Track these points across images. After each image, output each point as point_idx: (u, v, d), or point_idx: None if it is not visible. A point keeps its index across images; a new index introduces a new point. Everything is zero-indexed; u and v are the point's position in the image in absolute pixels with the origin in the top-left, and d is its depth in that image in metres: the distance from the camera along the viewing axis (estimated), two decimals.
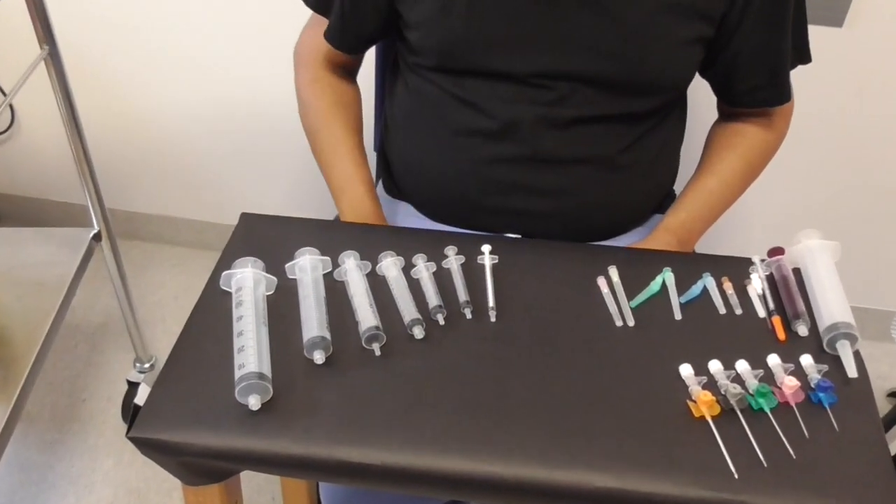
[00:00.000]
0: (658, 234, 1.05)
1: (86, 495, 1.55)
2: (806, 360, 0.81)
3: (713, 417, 0.75)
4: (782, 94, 1.05)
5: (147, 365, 1.72)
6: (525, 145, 1.01)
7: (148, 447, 0.73)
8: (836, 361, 0.81)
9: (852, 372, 0.80)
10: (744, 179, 1.09)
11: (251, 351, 0.76)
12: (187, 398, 0.75)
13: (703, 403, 0.75)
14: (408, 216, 1.14)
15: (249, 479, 1.54)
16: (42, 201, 2.16)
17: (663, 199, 1.17)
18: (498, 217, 1.06)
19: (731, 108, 1.10)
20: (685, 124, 1.14)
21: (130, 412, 0.74)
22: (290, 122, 1.87)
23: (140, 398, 0.75)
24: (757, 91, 1.04)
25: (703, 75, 1.07)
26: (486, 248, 0.93)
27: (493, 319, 0.85)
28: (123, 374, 1.78)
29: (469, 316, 0.85)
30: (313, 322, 0.81)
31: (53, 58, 1.24)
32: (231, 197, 2.07)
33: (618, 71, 0.95)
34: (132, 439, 0.73)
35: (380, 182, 1.27)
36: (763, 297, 0.89)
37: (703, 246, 1.11)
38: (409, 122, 1.09)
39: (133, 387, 1.70)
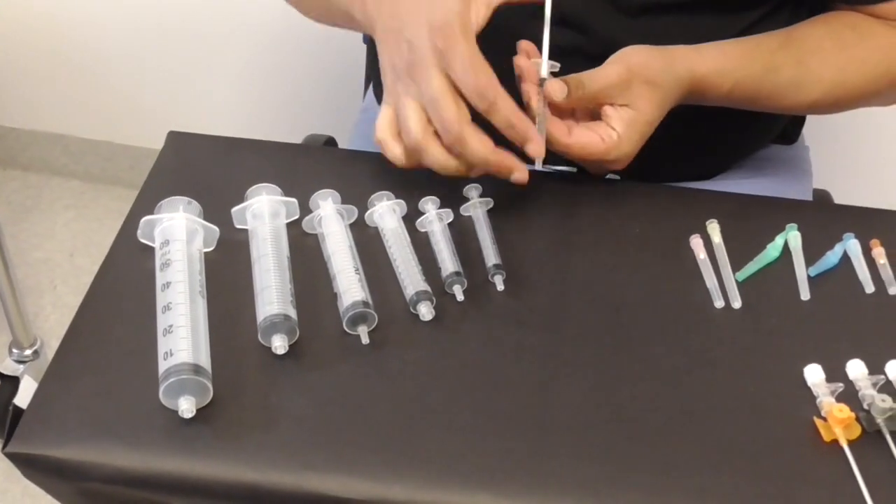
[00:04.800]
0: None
1: None
2: None
3: (851, 442, 0.75)
4: None
5: (29, 351, 1.74)
6: (575, 35, 1.00)
7: (33, 468, 0.74)
8: None
9: None
10: (844, 67, 0.99)
11: (183, 332, 0.77)
12: (90, 399, 0.76)
13: (838, 422, 0.76)
14: None
15: None
16: None
17: (786, 125, 1.17)
18: None
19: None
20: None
21: (8, 418, 0.75)
22: (242, 5, 1.87)
23: (21, 398, 0.76)
24: None
25: None
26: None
27: (534, 295, 0.85)
28: None
29: (500, 287, 0.86)
30: (272, 293, 0.81)
31: None
32: (153, 110, 2.07)
33: None
34: (10, 455, 0.73)
35: (370, 88, 1.27)
36: None
37: (843, 193, 1.10)
38: None
39: (8, 382, 1.73)
